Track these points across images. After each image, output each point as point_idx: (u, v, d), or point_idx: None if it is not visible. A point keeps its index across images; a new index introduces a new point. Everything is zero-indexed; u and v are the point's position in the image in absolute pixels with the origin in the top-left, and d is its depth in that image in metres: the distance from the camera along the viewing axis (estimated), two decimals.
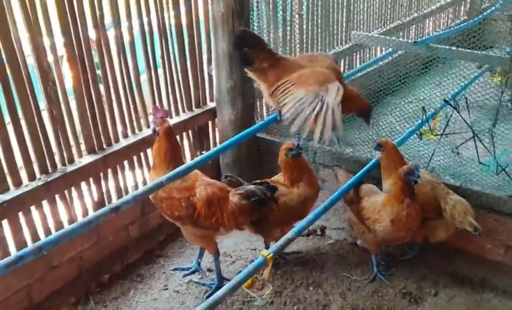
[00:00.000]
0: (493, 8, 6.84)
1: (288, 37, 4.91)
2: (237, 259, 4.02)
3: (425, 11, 7.00)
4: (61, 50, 3.52)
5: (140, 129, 4.07)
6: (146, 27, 3.97)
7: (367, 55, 6.26)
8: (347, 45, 5.71)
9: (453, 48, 4.48)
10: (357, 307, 3.55)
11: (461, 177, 3.96)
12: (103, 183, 3.85)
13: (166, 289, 3.75)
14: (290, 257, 4.04)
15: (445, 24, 7.72)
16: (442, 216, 3.45)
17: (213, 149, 3.36)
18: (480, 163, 3.85)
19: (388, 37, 5.46)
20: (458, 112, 3.84)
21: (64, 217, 3.66)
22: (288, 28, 4.84)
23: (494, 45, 6.41)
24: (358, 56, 6.11)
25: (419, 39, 4.92)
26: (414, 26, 6.99)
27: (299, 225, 3.33)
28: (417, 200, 3.45)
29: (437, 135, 3.96)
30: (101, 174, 3.81)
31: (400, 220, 3.43)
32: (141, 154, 4.06)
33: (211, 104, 4.52)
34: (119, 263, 3.95)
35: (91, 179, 3.75)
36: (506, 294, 3.58)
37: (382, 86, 5.63)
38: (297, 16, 4.79)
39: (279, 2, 4.71)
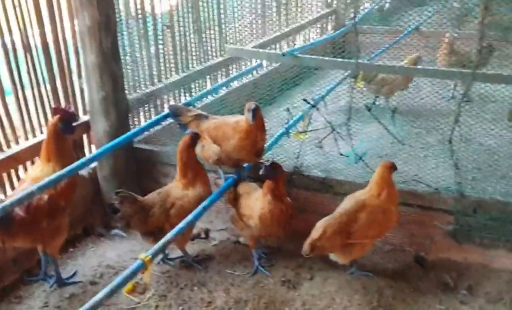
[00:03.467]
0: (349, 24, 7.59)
1: (161, 52, 5.04)
2: (119, 270, 3.99)
3: (294, 26, 7.48)
4: None
5: (9, 146, 3.94)
6: (9, 46, 3.90)
7: (243, 68, 6.54)
8: (221, 59, 5.95)
9: (315, 57, 4.89)
10: (240, 300, 3.68)
11: (327, 169, 4.30)
12: None
13: (47, 306, 3.63)
14: (175, 261, 4.10)
15: (314, 38, 8.28)
16: None
17: (84, 158, 3.37)
18: (340, 154, 4.22)
19: (259, 50, 5.79)
20: (318, 109, 4.18)
21: None
22: (161, 43, 4.98)
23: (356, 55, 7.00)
24: (234, 69, 6.38)
25: (286, 50, 5.28)
26: (285, 40, 7.44)
27: (177, 226, 3.46)
28: (282, 199, 3.70)
29: (303, 132, 4.27)
30: None
31: (265, 216, 3.66)
32: (12, 171, 3.93)
33: (84, 118, 4.49)
34: None
35: None
36: (374, 271, 3.91)
37: (258, 97, 5.94)
38: (165, 28, 4.93)
39: (149, 17, 4.83)
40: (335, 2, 8.70)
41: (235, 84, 6.25)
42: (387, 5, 8.78)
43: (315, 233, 3.56)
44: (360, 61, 4.24)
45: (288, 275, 3.92)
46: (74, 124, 3.68)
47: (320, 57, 4.95)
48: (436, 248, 4.05)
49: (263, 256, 4.11)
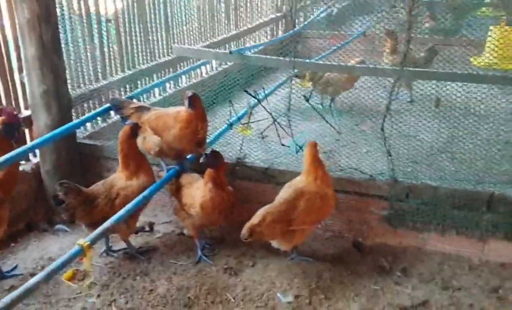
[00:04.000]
0: (296, 29, 7.90)
1: (105, 49, 5.07)
2: None
3: (243, 29, 7.65)
4: None
5: None
6: None
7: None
8: (169, 58, 6.02)
9: (258, 55, 5.02)
10: (182, 287, 3.73)
11: (270, 160, 4.43)
12: None
13: None
14: (119, 253, 4.12)
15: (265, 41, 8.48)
16: None
17: (22, 147, 3.37)
18: (282, 145, 4.35)
19: (206, 49, 5.89)
20: (259, 101, 4.31)
21: None
22: (105, 39, 5.01)
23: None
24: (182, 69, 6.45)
25: (233, 49, 5.39)
26: (235, 43, 7.59)
27: (117, 214, 3.51)
28: (223, 187, 3.80)
29: (245, 124, 4.39)
30: None
31: (206, 204, 3.74)
32: None
33: (26, 112, 4.48)
34: None
35: None
36: (313, 257, 4.04)
37: (207, 97, 6.00)
38: (108, 21, 4.97)
39: (93, 14, 4.87)
40: (284, 7, 8.94)
41: (183, 84, 6.34)
42: (334, 11, 9.10)
43: (255, 219, 3.65)
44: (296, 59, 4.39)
45: (230, 263, 4.00)
46: (16, 131, 3.64)
47: (263, 56, 5.12)
48: (373, 233, 4.22)
49: (207, 246, 4.18)
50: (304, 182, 3.82)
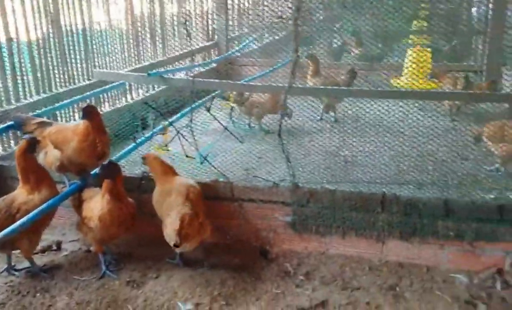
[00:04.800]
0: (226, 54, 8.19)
1: (18, 73, 5.07)
2: None
3: (171, 55, 7.79)
4: None
5: None
6: None
7: (111, 93, 6.63)
8: (89, 82, 6.07)
9: (183, 77, 5.13)
10: (83, 301, 3.68)
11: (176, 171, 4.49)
12: None
13: None
14: (21, 273, 4.04)
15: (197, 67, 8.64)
16: None
17: None
18: (187, 156, 4.42)
19: (126, 73, 5.97)
20: (161, 114, 4.40)
21: None
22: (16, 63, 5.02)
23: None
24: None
25: (152, 72, 5.48)
26: (164, 69, 7.70)
27: (10, 227, 3.48)
28: (121, 198, 3.82)
29: (162, 147, 4.45)
30: None
31: (104, 216, 3.75)
32: None
33: None
34: None
35: None
36: (219, 266, 4.07)
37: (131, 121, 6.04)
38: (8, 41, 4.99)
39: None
40: (216, 35, 9.19)
41: (106, 109, 6.37)
42: (265, 41, 9.50)
43: (176, 224, 3.64)
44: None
45: (134, 276, 3.98)
46: None
47: (173, 77, 5.24)
48: (280, 240, 4.30)
49: (113, 261, 4.15)
50: (170, 182, 4.01)
